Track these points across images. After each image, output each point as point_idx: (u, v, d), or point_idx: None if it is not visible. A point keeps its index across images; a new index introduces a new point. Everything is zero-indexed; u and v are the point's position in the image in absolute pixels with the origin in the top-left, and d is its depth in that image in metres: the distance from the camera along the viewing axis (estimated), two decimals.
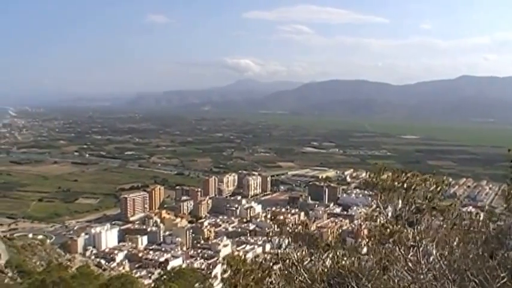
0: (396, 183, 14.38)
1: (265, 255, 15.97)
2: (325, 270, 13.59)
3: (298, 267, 13.67)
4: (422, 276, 12.38)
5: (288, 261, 13.96)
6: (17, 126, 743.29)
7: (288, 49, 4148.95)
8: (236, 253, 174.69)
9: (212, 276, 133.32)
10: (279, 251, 14.70)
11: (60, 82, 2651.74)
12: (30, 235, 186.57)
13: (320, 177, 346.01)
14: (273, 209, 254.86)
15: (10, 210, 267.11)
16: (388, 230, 13.25)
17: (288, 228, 15.11)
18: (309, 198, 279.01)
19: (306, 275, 13.41)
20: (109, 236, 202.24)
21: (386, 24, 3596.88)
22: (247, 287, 13.14)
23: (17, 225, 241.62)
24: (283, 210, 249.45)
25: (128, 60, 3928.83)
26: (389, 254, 12.88)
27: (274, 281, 13.98)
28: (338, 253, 14.26)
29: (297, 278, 13.53)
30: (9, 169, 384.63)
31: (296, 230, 14.94)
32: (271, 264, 14.23)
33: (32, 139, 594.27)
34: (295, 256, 14.08)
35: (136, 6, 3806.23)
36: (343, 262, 13.74)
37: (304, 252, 14.41)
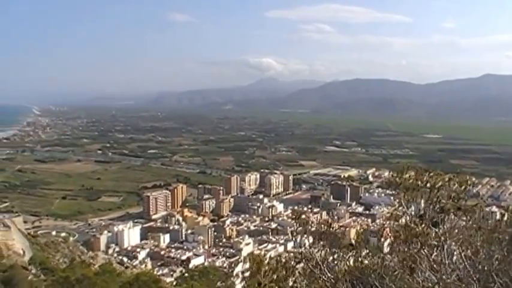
0: (420, 182, 14.25)
1: (288, 254, 15.94)
2: (349, 269, 13.51)
3: (322, 267, 13.61)
4: (446, 277, 12.27)
5: (311, 260, 13.90)
6: (41, 125, 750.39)
7: (310, 48, 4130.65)
8: (258, 252, 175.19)
9: (234, 274, 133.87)
10: (303, 250, 14.64)
11: (83, 81, 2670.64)
12: (54, 232, 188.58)
13: (342, 176, 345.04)
14: (295, 208, 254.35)
15: (34, 208, 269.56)
16: (413, 230, 13.16)
17: (311, 227, 15.02)
18: (331, 197, 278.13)
19: (329, 275, 13.35)
20: (131, 234, 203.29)
21: (409, 22, 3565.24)
22: (270, 286, 13.09)
23: (40, 223, 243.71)
24: (305, 209, 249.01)
25: (151, 59, 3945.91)
26: (414, 254, 12.75)
27: (297, 280, 13.93)
28: (361, 253, 14.17)
29: (320, 277, 13.48)
30: (33, 167, 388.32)
31: (320, 229, 14.85)
32: (294, 263, 14.17)
33: (55, 137, 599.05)
34: (319, 255, 14.02)
35: (159, 5, 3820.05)
36: (367, 262, 13.66)
37: (327, 252, 14.34)
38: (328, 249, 14.42)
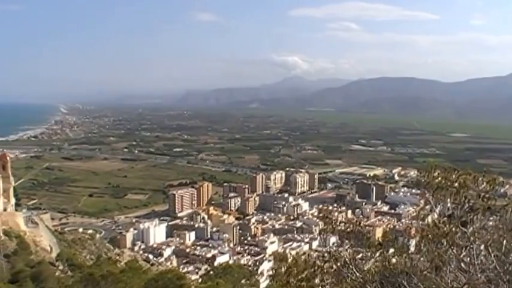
0: (448, 181, 14.10)
1: (317, 253, 15.84)
2: (377, 269, 13.39)
3: (350, 266, 13.52)
4: (475, 277, 12.12)
5: (339, 259, 13.82)
6: (68, 123, 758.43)
7: (336, 46, 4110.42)
8: (283, 250, 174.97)
9: (258, 272, 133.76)
10: (331, 249, 14.55)
11: (110, 80, 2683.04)
12: (81, 229, 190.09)
13: (368, 175, 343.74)
14: (320, 206, 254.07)
15: (61, 205, 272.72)
16: (441, 229, 13.01)
17: (340, 226, 14.92)
18: (356, 196, 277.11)
19: (358, 274, 13.25)
20: (157, 232, 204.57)
21: (435, 20, 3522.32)
22: (299, 285, 13.05)
23: (67, 220, 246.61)
24: (330, 208, 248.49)
25: (177, 58, 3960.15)
26: (442, 254, 12.60)
27: (325, 279, 13.85)
28: (390, 252, 14.04)
29: (348, 276, 13.39)
30: (60, 165, 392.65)
31: (348, 229, 14.74)
32: (322, 262, 14.08)
33: (82, 136, 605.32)
34: (347, 255, 13.93)
35: (185, 4, 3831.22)
36: (395, 261, 13.52)
37: (355, 251, 14.23)
38: (356, 249, 14.33)
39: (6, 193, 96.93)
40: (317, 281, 13.77)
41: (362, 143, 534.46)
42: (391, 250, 14.16)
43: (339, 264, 13.78)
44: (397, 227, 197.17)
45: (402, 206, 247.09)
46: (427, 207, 14.49)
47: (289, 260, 14.18)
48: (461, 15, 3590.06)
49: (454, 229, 13.03)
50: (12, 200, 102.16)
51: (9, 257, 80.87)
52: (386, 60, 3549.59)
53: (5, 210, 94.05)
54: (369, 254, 14.16)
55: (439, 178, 14.26)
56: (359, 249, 14.35)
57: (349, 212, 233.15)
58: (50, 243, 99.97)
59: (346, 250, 14.20)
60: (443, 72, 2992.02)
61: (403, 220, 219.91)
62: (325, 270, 13.88)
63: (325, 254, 14.26)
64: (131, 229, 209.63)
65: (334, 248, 14.52)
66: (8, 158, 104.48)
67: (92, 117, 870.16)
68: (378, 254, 14.01)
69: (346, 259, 13.74)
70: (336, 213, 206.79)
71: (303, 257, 14.91)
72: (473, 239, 12.71)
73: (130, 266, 53.98)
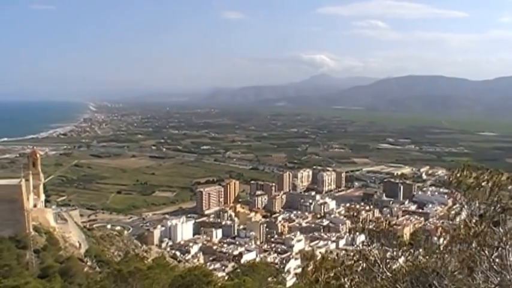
0: (480, 181, 13.94)
1: (345, 252, 15.79)
2: (408, 268, 13.28)
3: (381, 265, 13.42)
4: (508, 278, 11.97)
5: (369, 258, 13.73)
6: (97, 121, 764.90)
7: (363, 44, 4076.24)
8: (310, 249, 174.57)
9: (285, 270, 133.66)
10: (360, 248, 14.46)
11: (139, 78, 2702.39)
12: (109, 226, 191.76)
13: (395, 174, 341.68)
14: (348, 205, 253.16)
15: (90, 202, 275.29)
16: (472, 229, 12.87)
17: (368, 225, 14.82)
18: (384, 195, 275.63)
19: (388, 274, 13.15)
20: (184, 229, 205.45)
21: (464, 18, 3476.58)
22: (328, 283, 13.01)
23: (96, 216, 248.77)
24: (358, 206, 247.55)
25: (205, 57, 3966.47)
26: (474, 255, 12.45)
27: (355, 278, 13.78)
28: (421, 252, 13.92)
29: (378, 276, 13.29)
30: (89, 162, 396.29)
31: (378, 228, 14.64)
32: (352, 261, 14.01)
33: (111, 133, 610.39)
34: (377, 254, 13.83)
35: (212, 3, 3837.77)
36: (426, 261, 13.40)
37: (386, 251, 14.13)
38: (386, 248, 14.22)
39: (36, 190, 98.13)
40: (347, 279, 13.70)
41: (390, 142, 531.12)
42: (420, 250, 14.05)
43: (368, 263, 13.70)
44: (424, 226, 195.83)
45: (430, 205, 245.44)
46: (456, 206, 14.33)
47: (318, 258, 14.10)
48: (490, 13, 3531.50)
49: (485, 229, 12.88)
50: (42, 197, 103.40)
51: (39, 253, 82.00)
52: (414, 58, 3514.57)
53: (35, 206, 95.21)
54: (399, 253, 14.06)
55: (471, 178, 14.10)
56: (388, 249, 14.25)
57: (376, 211, 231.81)
58: (78, 239, 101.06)
59: (376, 249, 14.10)
60: (472, 71, 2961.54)
61: (430, 219, 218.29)
62: (354, 269, 13.82)
63: (355, 253, 14.20)
64: (159, 226, 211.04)
65: (364, 247, 14.43)
66: (38, 155, 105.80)
67: (120, 115, 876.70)
68: (408, 254, 13.90)
69: (377, 258, 13.65)
70: (364, 212, 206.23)
71: (331, 255, 14.83)
72: (505, 239, 12.55)
73: (157, 263, 54.27)
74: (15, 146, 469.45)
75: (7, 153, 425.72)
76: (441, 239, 15.53)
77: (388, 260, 13.93)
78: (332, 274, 13.39)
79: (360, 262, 13.95)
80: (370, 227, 14.83)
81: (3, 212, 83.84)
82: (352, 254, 14.56)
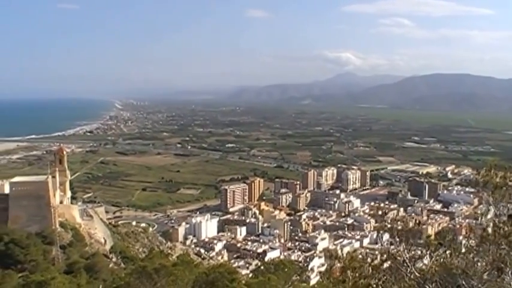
0: (507, 180, 13.73)
1: (372, 251, 15.61)
2: (437, 268, 13.09)
3: (409, 265, 13.26)
4: None
5: (398, 258, 13.58)
6: (122, 119, 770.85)
7: (389, 42, 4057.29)
8: (334, 247, 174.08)
9: (309, 269, 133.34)
10: (388, 247, 14.31)
11: (164, 76, 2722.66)
12: (134, 223, 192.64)
13: (420, 172, 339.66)
14: (372, 204, 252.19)
15: (115, 199, 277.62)
16: (502, 229, 12.66)
17: (396, 224, 14.65)
18: (409, 193, 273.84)
19: (417, 274, 12.99)
20: (209, 226, 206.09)
21: (491, 15, 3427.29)
22: (356, 283, 12.89)
23: (121, 213, 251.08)
24: (382, 205, 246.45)
25: (230, 55, 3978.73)
26: (504, 255, 12.25)
27: (382, 278, 13.63)
28: (448, 252, 13.73)
29: (407, 275, 13.14)
30: (115, 159, 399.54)
31: (407, 227, 14.47)
32: (380, 260, 13.87)
33: (136, 131, 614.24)
34: (406, 254, 13.67)
35: (236, 1, 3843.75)
36: (454, 261, 13.22)
37: (414, 250, 13.96)
38: (414, 248, 14.05)
39: (62, 186, 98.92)
40: (374, 279, 13.56)
41: (415, 140, 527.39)
42: (448, 250, 13.86)
43: (396, 262, 13.54)
44: (450, 225, 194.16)
45: (455, 205, 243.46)
46: (482, 206, 14.16)
47: (346, 258, 13.99)
48: None
49: None
50: (68, 193, 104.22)
51: (65, 249, 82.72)
52: (440, 56, 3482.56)
53: (61, 202, 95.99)
54: (427, 253, 13.88)
55: (497, 177, 13.88)
56: (414, 248, 14.07)
57: (401, 209, 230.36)
58: (104, 235, 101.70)
59: (405, 249, 13.93)
60: (499, 68, 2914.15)
61: (456, 219, 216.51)
62: (381, 269, 13.67)
63: (383, 252, 14.05)
64: (183, 223, 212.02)
65: (391, 247, 14.27)
66: (64, 152, 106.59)
67: (145, 112, 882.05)
68: (436, 254, 13.72)
69: (405, 258, 13.49)
70: (392, 212, 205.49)
71: (359, 255, 14.69)
72: None
73: (182, 260, 54.39)
74: (43, 143, 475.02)
75: (34, 150, 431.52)
76: (467, 239, 15.33)
77: (415, 260, 13.77)
78: (359, 273, 13.25)
79: (388, 262, 13.80)
80: (398, 226, 14.64)
81: (31, 208, 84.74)
82: (379, 253, 14.39)
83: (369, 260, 14.01)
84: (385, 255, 13.94)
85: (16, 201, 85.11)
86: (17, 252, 74.01)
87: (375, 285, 13.60)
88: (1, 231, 79.51)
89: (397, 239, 14.32)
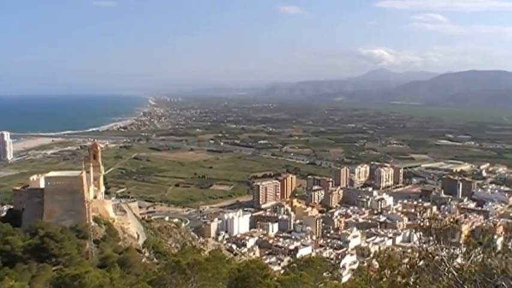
0: None
1: (405, 249, 15.49)
2: (477, 268, 12.92)
3: (448, 265, 13.12)
4: None
5: (436, 257, 13.43)
6: (156, 115, 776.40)
7: (423, 39, 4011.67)
8: (366, 245, 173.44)
9: (341, 266, 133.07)
10: (426, 246, 14.18)
11: (198, 73, 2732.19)
12: (167, 218, 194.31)
13: (454, 170, 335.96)
14: (405, 201, 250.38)
15: (148, 194, 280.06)
16: None
17: (435, 223, 14.51)
18: (442, 192, 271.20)
19: (455, 273, 12.83)
20: (241, 222, 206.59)
21: None
22: (394, 281, 12.83)
23: (154, 209, 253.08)
24: (415, 203, 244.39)
25: (263, 51, 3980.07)
26: None
27: (420, 277, 13.51)
28: (488, 252, 13.55)
29: (445, 275, 13.00)
30: (148, 155, 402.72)
31: (445, 226, 14.32)
32: (417, 259, 13.75)
33: (170, 127, 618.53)
34: (444, 253, 13.53)
35: None
36: (494, 261, 13.04)
37: (452, 249, 13.81)
38: (453, 247, 13.89)
39: (96, 181, 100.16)
40: (412, 278, 13.44)
41: (449, 138, 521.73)
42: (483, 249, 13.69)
43: (434, 261, 13.39)
44: (484, 225, 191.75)
45: (490, 203, 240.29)
46: None
47: (382, 256, 13.91)
48: None
49: None
50: (102, 188, 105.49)
51: (99, 243, 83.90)
52: (475, 52, 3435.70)
53: (95, 197, 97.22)
54: (465, 252, 13.73)
55: None
56: (453, 247, 13.91)
57: (434, 208, 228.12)
58: (137, 230, 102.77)
59: (442, 248, 13.78)
60: None
61: (490, 218, 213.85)
62: (419, 268, 13.54)
63: (420, 251, 13.92)
64: (215, 219, 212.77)
65: (428, 245, 14.13)
66: (98, 148, 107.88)
67: (179, 109, 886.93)
68: (473, 253, 13.56)
69: (443, 257, 13.34)
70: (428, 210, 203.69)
71: (396, 253, 14.60)
72: None
73: (214, 255, 54.67)
74: (77, 138, 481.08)
75: (69, 146, 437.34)
76: (506, 239, 15.13)
77: (453, 259, 13.63)
78: (397, 272, 13.18)
79: (424, 260, 13.67)
80: (436, 225, 14.50)
81: (65, 203, 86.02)
82: (414, 251, 14.27)
83: (406, 259, 13.87)
84: (422, 254, 13.81)
85: (51, 195, 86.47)
86: (52, 246, 75.21)
87: (412, 284, 13.51)
88: (36, 225, 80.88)
89: (434, 237, 14.17)
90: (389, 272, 13.16)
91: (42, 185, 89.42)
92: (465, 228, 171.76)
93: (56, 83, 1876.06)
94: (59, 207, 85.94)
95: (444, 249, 13.85)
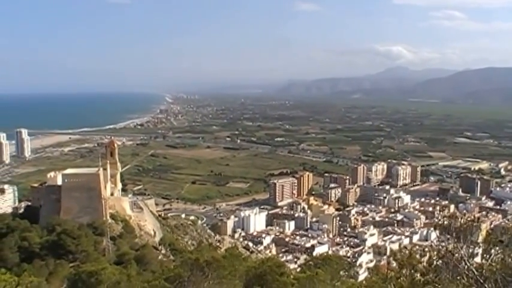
0: None
1: (431, 248, 15.20)
2: (498, 266, 12.67)
3: (468, 263, 12.88)
4: None
5: (456, 255, 13.21)
6: (173, 112, 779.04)
7: (441, 35, 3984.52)
8: (383, 243, 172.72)
9: (357, 264, 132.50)
10: (446, 244, 13.95)
11: (215, 70, 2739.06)
12: (183, 215, 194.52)
13: (472, 169, 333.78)
14: (422, 200, 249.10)
15: (165, 191, 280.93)
16: None
17: (454, 221, 14.27)
18: (460, 190, 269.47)
19: (475, 272, 12.60)
20: (257, 220, 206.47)
21: None
22: (413, 279, 12.62)
23: (171, 206, 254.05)
24: (433, 201, 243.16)
25: (280, 49, 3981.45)
26: None
27: (439, 275, 13.29)
28: (509, 250, 13.28)
29: (465, 273, 12.77)
30: (165, 152, 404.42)
31: (464, 225, 14.07)
32: (437, 257, 13.54)
33: (186, 124, 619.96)
34: (464, 251, 13.30)
35: None
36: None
37: (472, 248, 13.57)
38: (473, 246, 13.66)
39: (113, 178, 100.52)
40: (431, 276, 13.23)
41: (467, 136, 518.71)
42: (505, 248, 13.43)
43: (454, 260, 13.17)
44: (503, 223, 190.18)
45: (508, 202, 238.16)
46: None
47: (403, 254, 13.70)
48: None
49: None
50: (119, 185, 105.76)
51: (115, 240, 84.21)
52: (494, 49, 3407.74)
53: (112, 194, 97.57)
54: (484, 250, 13.50)
55: None
56: (473, 246, 13.69)
57: (452, 206, 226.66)
58: (153, 227, 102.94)
59: (462, 246, 13.55)
60: None
61: (509, 217, 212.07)
62: (438, 265, 13.34)
63: (439, 249, 13.70)
64: (232, 216, 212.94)
65: (446, 243, 13.91)
66: (115, 145, 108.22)
67: (195, 106, 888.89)
68: (494, 252, 13.32)
69: (463, 256, 13.11)
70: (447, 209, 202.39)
71: (417, 251, 14.38)
72: None
73: (231, 253, 54.75)
74: (94, 136, 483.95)
75: (86, 143, 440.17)
76: None
77: (473, 258, 13.38)
78: (416, 270, 12.96)
79: (445, 259, 13.44)
80: (455, 223, 14.25)
81: (82, 200, 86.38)
82: (433, 250, 14.04)
83: (425, 258, 13.64)
84: (441, 252, 13.58)
85: (68, 192, 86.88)
86: (69, 243, 75.63)
87: (431, 282, 13.28)
88: (53, 222, 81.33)
89: (454, 236, 13.93)
90: (408, 270, 12.93)
91: (59, 182, 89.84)
92: (484, 227, 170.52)
93: (72, 81, 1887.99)
94: (76, 204, 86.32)
95: (464, 247, 13.58)
